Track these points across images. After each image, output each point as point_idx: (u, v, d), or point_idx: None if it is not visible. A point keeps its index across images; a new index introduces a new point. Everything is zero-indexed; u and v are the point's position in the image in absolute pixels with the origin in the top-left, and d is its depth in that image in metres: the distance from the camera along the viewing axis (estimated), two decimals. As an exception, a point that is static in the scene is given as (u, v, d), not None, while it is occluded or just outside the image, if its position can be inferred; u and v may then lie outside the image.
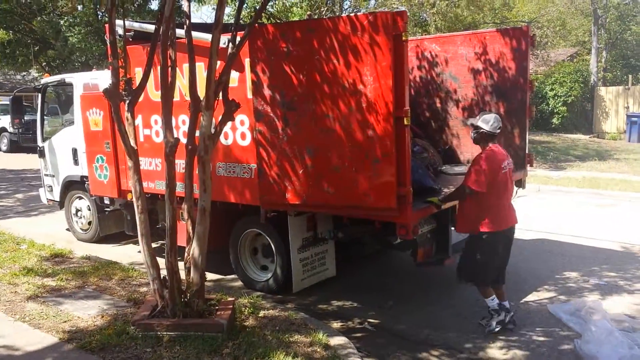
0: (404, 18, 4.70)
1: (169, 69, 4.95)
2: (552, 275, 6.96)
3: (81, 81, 8.58)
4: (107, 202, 8.36)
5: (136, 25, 7.13)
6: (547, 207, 11.17)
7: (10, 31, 23.91)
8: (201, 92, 4.94)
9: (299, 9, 17.23)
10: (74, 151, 8.65)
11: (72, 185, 9.05)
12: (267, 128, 5.49)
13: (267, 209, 5.98)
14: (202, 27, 6.10)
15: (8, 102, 14.35)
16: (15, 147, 23.46)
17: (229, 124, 5.52)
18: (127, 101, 5.04)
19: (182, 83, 6.10)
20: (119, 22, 6.01)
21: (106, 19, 6.98)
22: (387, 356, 5.00)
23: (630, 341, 4.83)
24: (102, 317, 5.51)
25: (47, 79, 9.67)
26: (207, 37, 5.22)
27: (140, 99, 5.32)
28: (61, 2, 21.33)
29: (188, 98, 5.06)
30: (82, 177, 8.60)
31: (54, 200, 9.61)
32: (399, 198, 4.91)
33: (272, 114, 5.42)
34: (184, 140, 5.15)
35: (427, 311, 5.97)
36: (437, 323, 5.65)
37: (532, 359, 4.89)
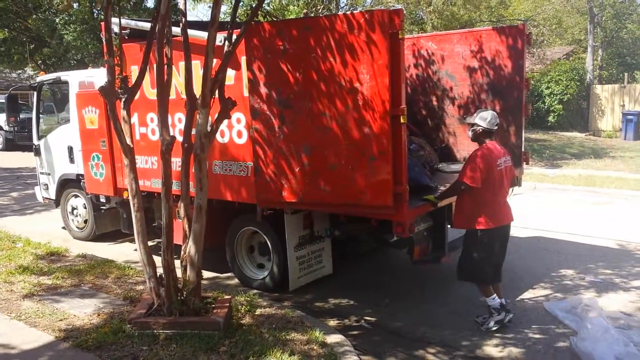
0: (401, 16, 4.70)
1: (165, 66, 4.94)
2: (548, 272, 6.98)
3: (77, 79, 8.55)
4: (103, 200, 8.35)
5: (132, 23, 7.11)
6: (543, 204, 11.20)
7: (6, 29, 23.83)
8: (197, 90, 4.93)
9: (295, 7, 17.22)
10: (70, 149, 8.63)
11: (68, 184, 9.03)
12: (263, 126, 5.49)
13: (263, 207, 5.98)
14: (198, 25, 6.10)
15: (3, 100, 14.27)
16: (10, 145, 23.36)
17: (225, 122, 5.51)
18: (123, 99, 5.04)
19: (178, 81, 6.09)
20: (114, 20, 6.01)
21: (102, 16, 6.96)
22: (384, 354, 5.01)
23: (625, 338, 4.85)
24: (99, 315, 5.50)
25: (43, 77, 9.63)
26: (203, 35, 5.21)
27: (136, 97, 5.31)
28: (57, 0, 21.27)
29: (184, 96, 5.05)
30: (78, 175, 8.59)
31: (49, 199, 9.58)
32: (395, 196, 4.91)
33: (268, 112, 5.42)
34: (180, 138, 5.15)
35: (423, 309, 5.98)
36: (433, 321, 5.66)
37: (528, 356, 4.90)
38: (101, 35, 5.83)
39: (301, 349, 4.69)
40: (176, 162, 5.77)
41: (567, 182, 13.28)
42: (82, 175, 8.29)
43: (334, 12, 16.93)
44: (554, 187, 12.98)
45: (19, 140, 22.51)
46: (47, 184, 9.50)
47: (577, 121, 24.63)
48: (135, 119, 6.73)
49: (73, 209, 9.10)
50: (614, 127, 23.25)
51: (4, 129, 23.25)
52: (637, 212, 10.33)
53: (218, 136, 5.95)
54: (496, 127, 5.29)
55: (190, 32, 5.21)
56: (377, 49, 4.72)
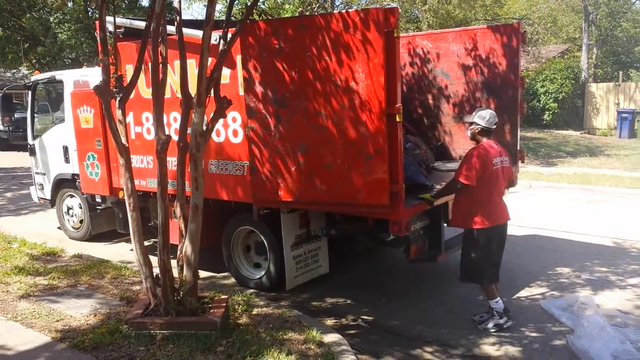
0: (396, 15, 4.70)
1: (160, 65, 4.92)
2: (544, 271, 6.99)
3: (71, 78, 8.52)
4: (98, 200, 8.33)
5: (127, 21, 7.09)
6: (539, 203, 11.22)
7: (0, 28, 23.74)
8: (192, 89, 4.92)
9: (290, 5, 17.21)
10: (65, 149, 8.60)
11: (63, 184, 9.01)
12: (259, 125, 5.48)
13: (259, 206, 5.97)
14: (193, 24, 6.08)
15: (-2, 100, 14.23)
16: (5, 145, 23.31)
17: (221, 121, 5.49)
18: (118, 98, 5.02)
19: (173, 80, 6.07)
20: (109, 18, 5.99)
21: (96, 15, 6.94)
22: (381, 353, 5.01)
23: (622, 336, 4.86)
24: (95, 315, 5.49)
25: (37, 76, 9.60)
26: (199, 33, 5.19)
27: (131, 96, 5.29)
28: (51, -1, 21.21)
29: (179, 95, 5.04)
30: (73, 175, 8.56)
31: (45, 199, 9.56)
32: (391, 195, 4.91)
33: (264, 111, 5.41)
34: (175, 138, 5.14)
35: (420, 308, 5.98)
36: (430, 319, 5.66)
37: (524, 355, 4.91)
38: (96, 34, 5.80)
39: (298, 349, 4.69)
40: (172, 161, 5.75)
41: (563, 180, 13.31)
42: (77, 175, 8.27)
43: (329, 10, 16.92)
44: (550, 186, 13.00)
45: (14, 140, 22.48)
46: (42, 184, 9.48)
47: (572, 119, 24.68)
48: (130, 118, 6.73)
49: (69, 209, 9.07)
50: (609, 125, 23.30)
51: (-1, 128, 23.23)
52: (632, 209, 10.37)
53: (214, 135, 5.94)
54: (495, 126, 5.30)
55: (185, 30, 5.19)
56: (372, 48, 4.71)
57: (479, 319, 5.45)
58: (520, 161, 6.88)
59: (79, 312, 5.59)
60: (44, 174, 9.32)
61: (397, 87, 4.77)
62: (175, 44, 4.98)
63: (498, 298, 5.39)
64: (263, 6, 16.09)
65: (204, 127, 4.95)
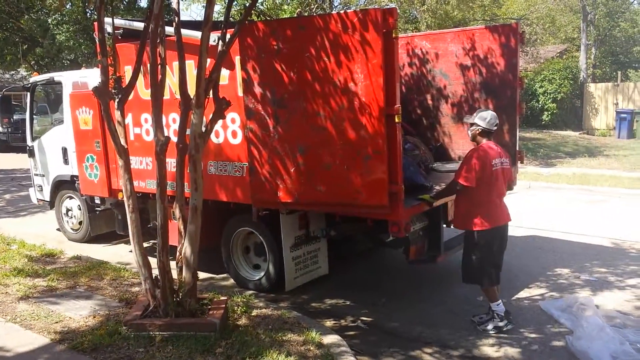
0: (394, 15, 4.70)
1: (159, 67, 4.92)
2: (543, 271, 6.99)
3: (70, 80, 8.52)
4: (97, 201, 8.32)
5: (125, 23, 7.08)
6: (538, 203, 11.22)
7: (-2, 30, 23.73)
8: (191, 90, 4.91)
9: (289, 6, 17.20)
10: (64, 150, 8.59)
11: (63, 185, 9.00)
12: (258, 126, 5.48)
13: (258, 207, 5.96)
14: (192, 25, 6.07)
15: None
16: (4, 146, 23.29)
17: (220, 122, 5.49)
18: (117, 100, 5.01)
19: (172, 81, 6.07)
20: (107, 20, 5.98)
21: (95, 16, 6.94)
22: (380, 354, 5.00)
23: (621, 337, 4.86)
24: (94, 317, 5.48)
25: (36, 77, 9.60)
26: (197, 34, 5.19)
27: (130, 97, 5.28)
28: (49, 0, 21.17)
29: (178, 96, 5.03)
30: (72, 176, 8.56)
31: (44, 200, 9.55)
32: (390, 195, 4.91)
33: (263, 112, 5.41)
34: (174, 139, 5.13)
35: (419, 308, 5.98)
36: (430, 320, 5.66)
37: (524, 356, 4.91)
38: (94, 35, 5.80)
39: (298, 350, 4.68)
40: (171, 162, 5.75)
41: (562, 181, 13.32)
42: (76, 176, 8.26)
43: (327, 11, 16.92)
44: (549, 186, 13.01)
45: (13, 142, 22.47)
46: (41, 186, 9.47)
47: (571, 120, 24.69)
48: (129, 119, 6.72)
49: (67, 210, 9.07)
50: (607, 125, 23.31)
51: (-2, 130, 23.22)
52: (631, 210, 10.37)
53: (213, 136, 5.93)
54: (495, 128, 5.29)
55: (184, 31, 5.19)
56: (371, 48, 4.71)
57: (479, 320, 5.45)
58: (519, 162, 6.88)
59: (78, 313, 5.58)
60: (43, 176, 9.32)
61: (396, 87, 4.76)
62: (174, 45, 4.98)
63: (499, 300, 5.38)
64: (262, 7, 16.08)
65: (203, 128, 4.95)
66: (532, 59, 25.13)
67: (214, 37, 5.22)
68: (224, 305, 5.21)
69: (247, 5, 8.65)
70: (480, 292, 5.63)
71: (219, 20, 6.41)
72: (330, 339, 4.98)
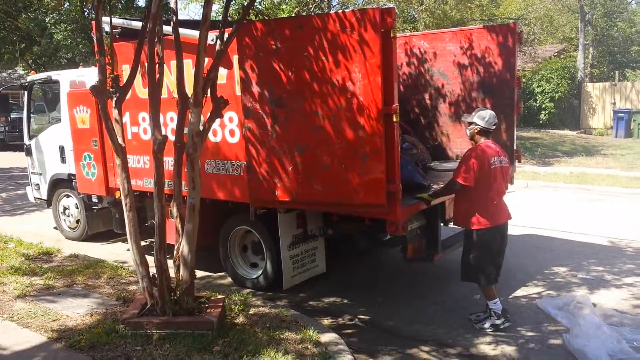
0: (392, 15, 4.70)
1: (157, 65, 4.92)
2: (540, 270, 7.01)
3: (68, 78, 8.51)
4: (95, 200, 8.33)
5: (123, 22, 7.08)
6: (535, 202, 11.24)
7: (-4, 29, 23.70)
8: (189, 89, 4.91)
9: (287, 5, 17.20)
10: (61, 149, 8.59)
11: (60, 184, 8.99)
12: (256, 125, 5.48)
13: (256, 206, 5.97)
14: (190, 24, 6.07)
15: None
16: (1, 145, 23.24)
17: (218, 121, 5.50)
18: (115, 98, 5.02)
19: (169, 80, 6.07)
20: (105, 19, 5.98)
21: (93, 15, 6.93)
22: (378, 352, 5.01)
23: (618, 335, 4.87)
24: (91, 315, 5.48)
25: (34, 76, 9.59)
26: (195, 34, 5.19)
27: (128, 96, 5.29)
28: (47, -1, 21.17)
29: (176, 95, 5.04)
30: (69, 175, 8.56)
31: (41, 199, 9.54)
32: (388, 194, 4.92)
33: (260, 111, 5.41)
34: (172, 138, 5.13)
35: (416, 307, 5.98)
36: (427, 318, 5.67)
37: (521, 354, 4.92)
38: (92, 34, 5.81)
39: (295, 348, 4.69)
40: (168, 161, 5.75)
41: (559, 180, 13.34)
42: (73, 175, 8.26)
43: (326, 10, 16.92)
44: (546, 185, 13.03)
45: (10, 140, 22.43)
46: (38, 184, 9.46)
47: (569, 119, 24.71)
48: (127, 118, 6.71)
49: (65, 209, 9.06)
50: (605, 125, 23.35)
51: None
52: (628, 209, 10.40)
53: (210, 135, 5.93)
54: (494, 127, 5.30)
55: (182, 30, 5.19)
56: (369, 48, 4.71)
57: (476, 318, 5.46)
58: (516, 161, 6.90)
59: (75, 312, 5.58)
60: (40, 174, 9.31)
61: (394, 87, 4.77)
62: (171, 44, 4.98)
63: (497, 299, 5.39)
64: (260, 6, 16.08)
65: (201, 127, 4.95)
66: (530, 59, 25.14)
67: (212, 36, 5.22)
68: (221, 304, 5.22)
69: (245, 4, 8.66)
70: (478, 290, 5.64)
71: (217, 19, 6.42)
72: (327, 337, 4.98)
